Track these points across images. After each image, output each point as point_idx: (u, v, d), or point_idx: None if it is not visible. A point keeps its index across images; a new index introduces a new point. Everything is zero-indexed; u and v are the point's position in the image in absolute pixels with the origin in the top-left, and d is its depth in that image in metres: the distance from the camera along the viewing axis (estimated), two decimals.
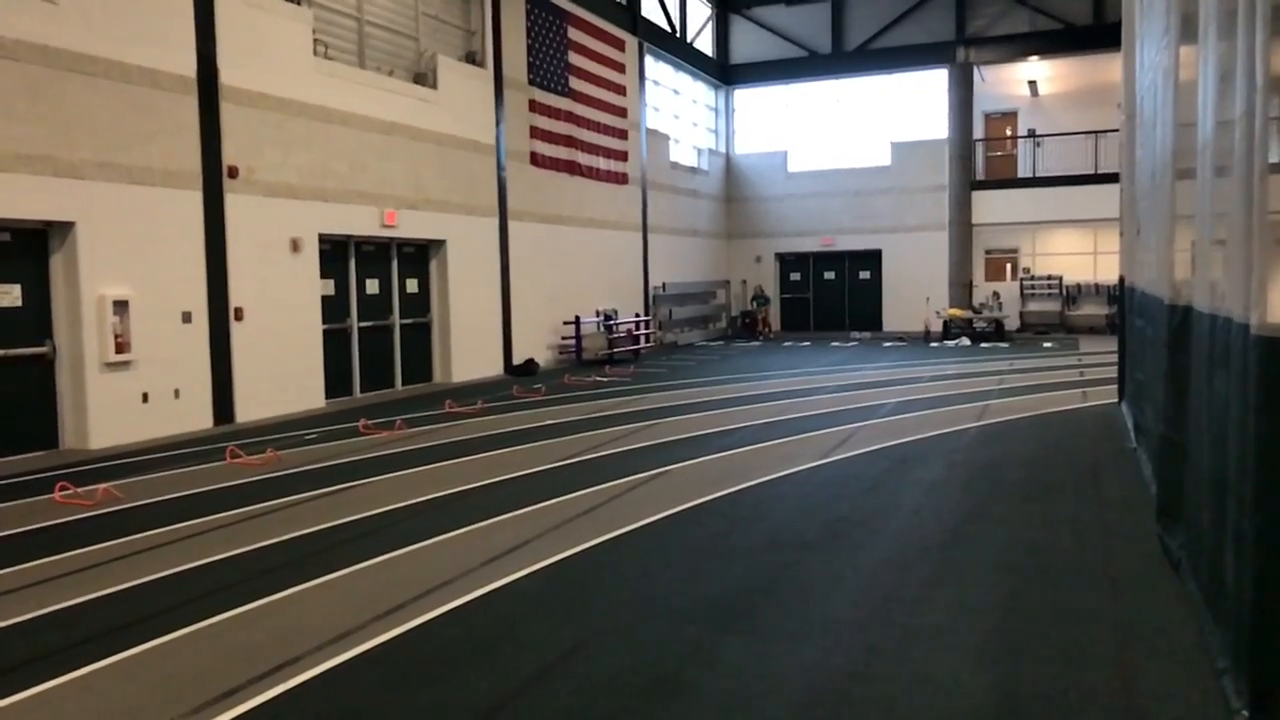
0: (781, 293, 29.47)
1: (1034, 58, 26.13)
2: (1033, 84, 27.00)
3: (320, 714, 3.86)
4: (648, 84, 24.29)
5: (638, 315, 22.93)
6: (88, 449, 10.23)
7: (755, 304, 28.10)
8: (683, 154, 26.88)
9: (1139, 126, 9.17)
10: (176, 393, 11.28)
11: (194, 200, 11.59)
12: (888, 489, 7.76)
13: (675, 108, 26.69)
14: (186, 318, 11.45)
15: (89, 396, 10.30)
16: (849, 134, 28.50)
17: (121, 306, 10.55)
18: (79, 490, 8.02)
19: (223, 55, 11.89)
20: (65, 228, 10.23)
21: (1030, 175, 26.58)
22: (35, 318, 10.17)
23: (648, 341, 22.53)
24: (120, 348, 10.51)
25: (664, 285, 24.65)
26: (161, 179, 11.12)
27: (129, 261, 10.71)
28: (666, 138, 25.48)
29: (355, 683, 4.15)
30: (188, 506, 7.55)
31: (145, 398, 10.90)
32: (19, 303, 10.02)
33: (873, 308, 28.25)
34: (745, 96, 29.77)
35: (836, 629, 4.72)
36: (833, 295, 29.00)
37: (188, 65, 11.46)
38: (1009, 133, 28.07)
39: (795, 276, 29.41)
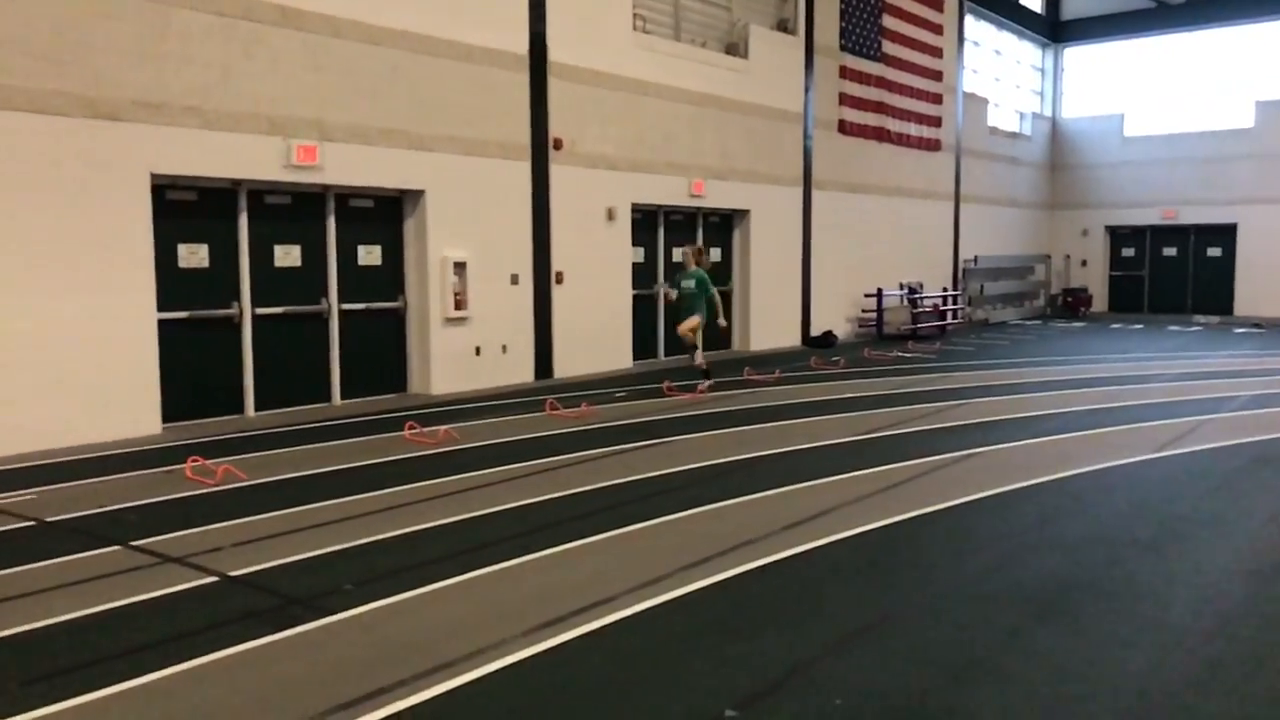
0: (1111, 269, 26.92)
1: None
2: None
3: (632, 652, 4.07)
4: (966, 45, 22.94)
5: (945, 289, 21.90)
6: (430, 394, 11.46)
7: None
8: (1002, 118, 25.19)
9: None
10: (504, 348, 12.32)
11: (523, 171, 12.51)
12: (1239, 490, 6.88)
13: (996, 69, 25.04)
14: (515, 279, 12.43)
15: (432, 347, 11.52)
16: (1200, 93, 25.27)
17: (460, 268, 11.65)
18: (424, 430, 9.00)
19: (552, 34, 12.68)
20: (416, 195, 11.42)
21: None
22: (391, 276, 11.49)
23: (955, 317, 21.46)
24: (459, 305, 11.64)
25: (975, 258, 23.33)
26: (497, 151, 12.10)
27: (467, 227, 11.78)
28: (985, 101, 23.98)
29: (663, 628, 4.34)
30: (513, 451, 8.23)
31: (478, 351, 12.00)
32: (379, 262, 11.37)
33: (1222, 289, 25.03)
34: (1077, 55, 27.30)
35: (1173, 636, 4.26)
36: (1172, 274, 26.03)
37: (521, 44, 12.34)
38: None
39: (1128, 252, 26.71)
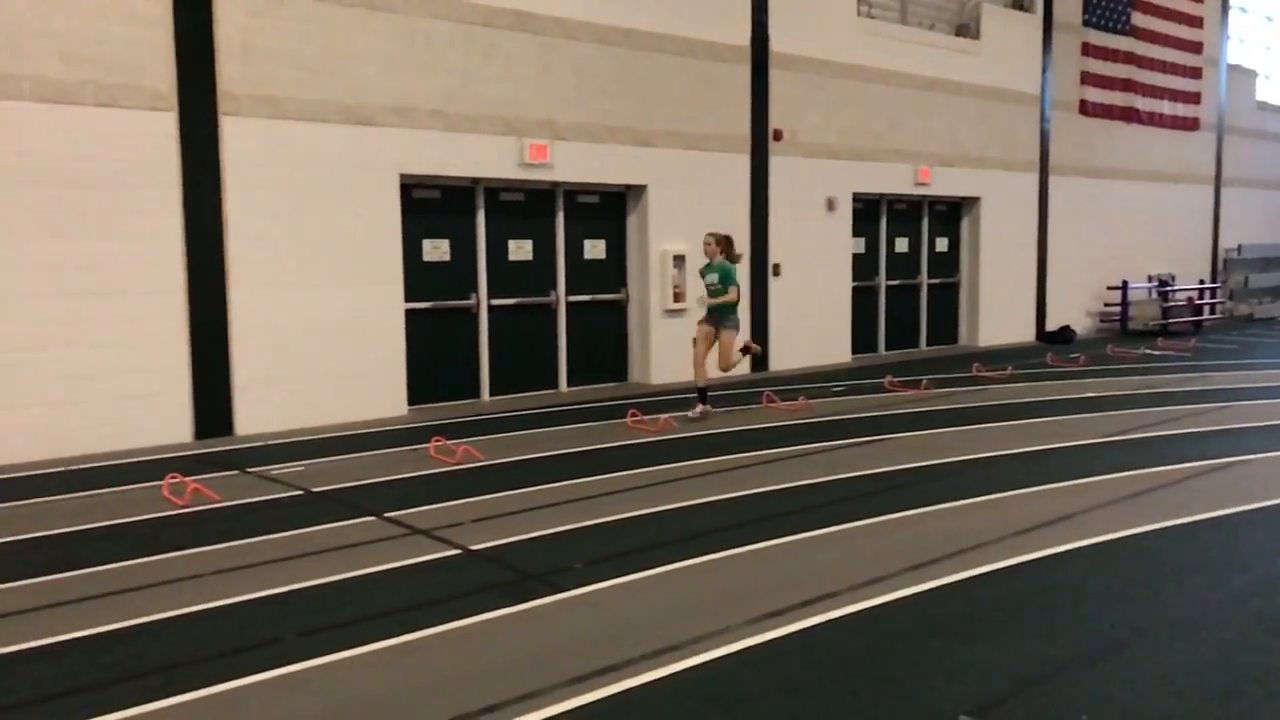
0: None
1: None
2: None
3: (857, 650, 3.99)
4: (1231, 12, 20.76)
5: (1201, 282, 19.99)
6: (649, 383, 11.71)
7: None
8: (1275, 92, 22.60)
9: None
10: None
11: (742, 163, 12.51)
12: None
13: (1268, 37, 22.49)
14: None
15: (652, 338, 11.76)
16: None
17: (679, 260, 11.81)
18: (645, 418, 9.21)
19: (773, 23, 12.59)
20: (639, 190, 11.68)
21: None
22: (614, 269, 11.83)
23: (1213, 312, 19.53)
24: (677, 297, 11.81)
25: (1239, 248, 21.13)
26: (716, 144, 12.17)
27: (686, 220, 11.90)
28: (1253, 74, 21.64)
29: (888, 628, 4.22)
30: (733, 441, 8.28)
31: (694, 343, 12.09)
32: (603, 256, 11.72)
33: None
34: None
35: None
36: None
37: (743, 36, 12.33)
38: None
39: None
